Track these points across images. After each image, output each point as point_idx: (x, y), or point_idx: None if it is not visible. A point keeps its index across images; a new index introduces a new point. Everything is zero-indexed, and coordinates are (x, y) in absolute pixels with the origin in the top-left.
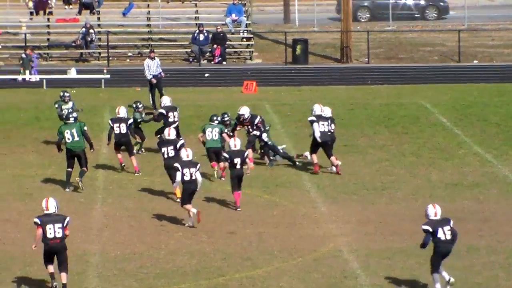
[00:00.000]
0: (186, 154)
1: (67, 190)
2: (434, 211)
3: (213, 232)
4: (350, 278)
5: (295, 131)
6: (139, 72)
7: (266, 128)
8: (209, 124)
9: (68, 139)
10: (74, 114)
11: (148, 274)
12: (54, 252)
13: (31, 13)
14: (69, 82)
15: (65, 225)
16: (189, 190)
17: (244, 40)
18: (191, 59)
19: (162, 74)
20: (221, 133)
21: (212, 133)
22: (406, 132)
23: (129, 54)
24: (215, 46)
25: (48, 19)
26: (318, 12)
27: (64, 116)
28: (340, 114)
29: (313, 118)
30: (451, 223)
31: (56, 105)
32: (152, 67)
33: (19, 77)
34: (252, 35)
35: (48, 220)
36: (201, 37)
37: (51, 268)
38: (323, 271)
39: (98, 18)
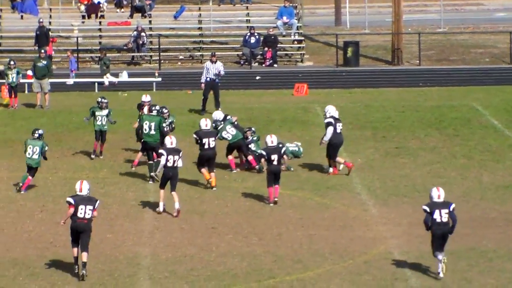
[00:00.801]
0: (170, 141)
1: (150, 182)
2: (438, 194)
3: (264, 234)
4: (400, 281)
5: (346, 134)
6: (190, 75)
7: (255, 139)
8: (221, 128)
9: (146, 130)
10: (157, 107)
11: (199, 276)
12: (79, 230)
13: (83, 17)
14: (120, 85)
15: (95, 207)
16: (167, 176)
17: (295, 42)
18: (242, 62)
19: (222, 72)
20: (233, 125)
21: (231, 130)
22: (457, 134)
23: (181, 57)
24: (266, 48)
25: (100, 23)
26: (369, 14)
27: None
28: (391, 116)
29: (331, 120)
30: (451, 207)
31: (90, 112)
32: (211, 70)
33: (105, 80)
34: (303, 38)
35: (81, 201)
36: (252, 39)
37: (75, 252)
38: (373, 273)
39: (150, 22)
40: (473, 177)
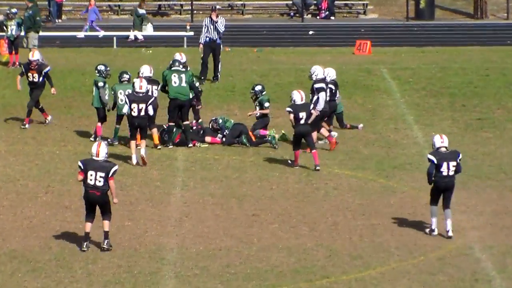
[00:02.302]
0: (140, 85)
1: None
2: (441, 140)
3: (316, 224)
4: (482, 282)
5: (418, 101)
6: (229, 29)
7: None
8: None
9: (175, 82)
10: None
11: (236, 274)
12: (92, 202)
13: None
14: (144, 41)
15: (110, 174)
16: (133, 125)
17: None
18: (292, 14)
19: (221, 29)
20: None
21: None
22: None
23: (218, 6)
24: None
25: None
26: None
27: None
28: (473, 80)
29: (323, 85)
30: (459, 157)
31: (112, 91)
32: (211, 29)
33: (131, 34)
34: None
35: (92, 166)
36: None
37: (88, 227)
38: (449, 272)
39: None
40: None
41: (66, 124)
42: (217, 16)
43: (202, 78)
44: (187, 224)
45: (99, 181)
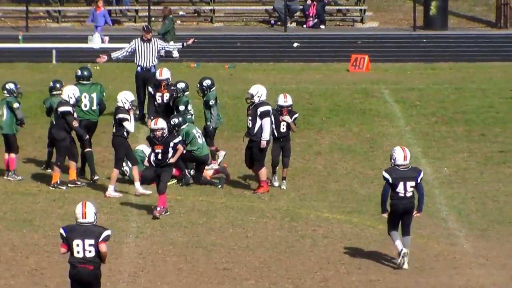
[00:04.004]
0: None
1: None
2: (403, 155)
3: (302, 280)
4: None
5: (427, 130)
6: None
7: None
8: None
9: (85, 105)
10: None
11: None
12: (82, 282)
13: None
14: (90, 55)
15: (100, 239)
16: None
17: None
18: (273, 22)
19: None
20: None
21: None
22: None
23: (181, 12)
24: (309, 1)
25: None
26: None
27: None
28: (495, 104)
29: (269, 108)
30: (420, 177)
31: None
32: (144, 54)
33: (172, 47)
34: None
35: (77, 233)
36: None
37: None
38: None
39: None
40: None
41: None
42: (151, 37)
43: (139, 118)
44: (143, 280)
45: (89, 251)
